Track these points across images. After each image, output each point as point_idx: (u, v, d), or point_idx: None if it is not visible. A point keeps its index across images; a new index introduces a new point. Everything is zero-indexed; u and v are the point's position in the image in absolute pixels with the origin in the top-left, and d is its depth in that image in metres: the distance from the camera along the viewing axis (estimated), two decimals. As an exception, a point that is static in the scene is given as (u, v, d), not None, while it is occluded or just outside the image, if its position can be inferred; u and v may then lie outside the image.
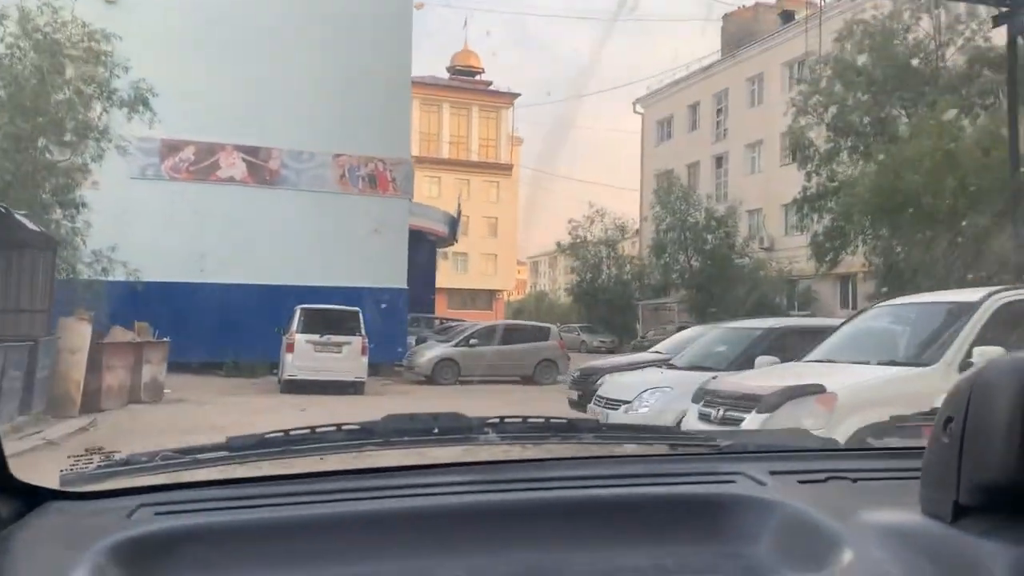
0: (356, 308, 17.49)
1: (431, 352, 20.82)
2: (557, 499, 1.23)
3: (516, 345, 20.97)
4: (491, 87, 66.20)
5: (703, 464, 1.42)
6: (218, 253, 20.97)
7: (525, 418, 1.56)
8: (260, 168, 21.76)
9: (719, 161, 39.31)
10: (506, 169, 68.44)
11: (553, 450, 1.50)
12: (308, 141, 21.84)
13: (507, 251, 68.61)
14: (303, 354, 16.77)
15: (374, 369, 20.45)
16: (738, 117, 38.44)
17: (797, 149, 27.00)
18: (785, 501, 1.18)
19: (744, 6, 40.18)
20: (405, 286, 22.38)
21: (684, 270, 32.66)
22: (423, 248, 29.18)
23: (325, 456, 1.39)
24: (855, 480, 1.27)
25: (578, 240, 42.42)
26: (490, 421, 1.52)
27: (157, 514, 1.15)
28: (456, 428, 1.50)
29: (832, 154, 26.52)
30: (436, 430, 1.49)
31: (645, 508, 1.21)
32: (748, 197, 33.95)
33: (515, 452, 1.54)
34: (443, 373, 20.41)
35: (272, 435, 1.43)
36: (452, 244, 34.95)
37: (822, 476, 1.28)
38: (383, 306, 21.41)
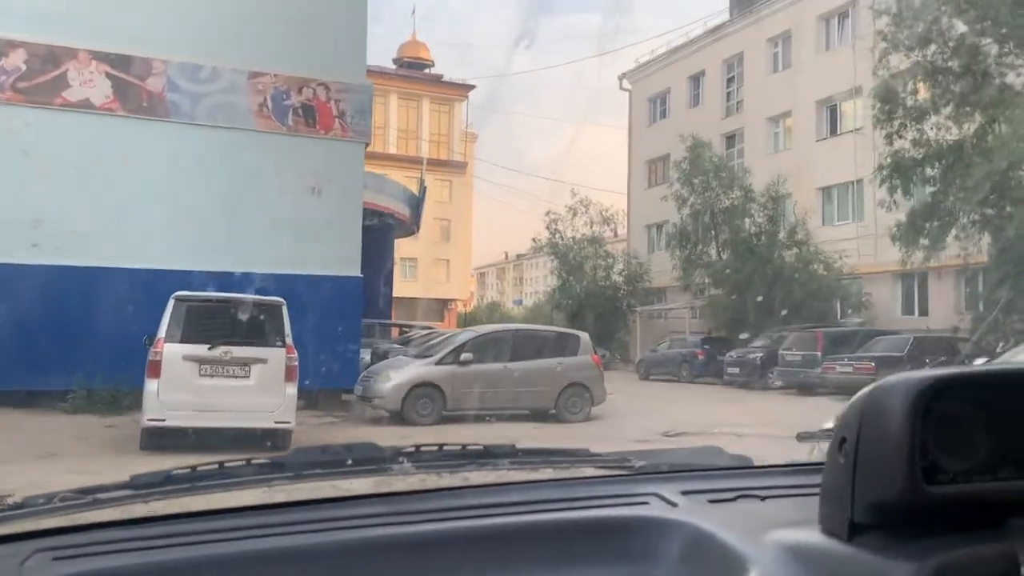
0: (278, 299, 9.99)
1: (400, 374, 13.37)
2: (473, 528, 1.21)
3: (532, 362, 13.67)
4: (443, 79, 59.62)
5: (618, 486, 1.41)
6: (63, 219, 13.30)
7: (440, 446, 1.60)
8: (133, 89, 14.07)
9: (731, 140, 32.70)
10: (460, 167, 61.36)
11: (469, 478, 1.46)
12: (210, 50, 14.28)
13: (461, 256, 61.72)
14: (178, 381, 9.22)
15: (309, 399, 12.98)
16: (757, 86, 31.93)
17: (886, 101, 20.37)
18: (693, 522, 1.19)
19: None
20: (358, 273, 14.88)
21: (714, 265, 25.69)
22: (379, 232, 21.68)
23: (234, 492, 1.36)
24: (763, 498, 1.28)
25: (557, 235, 35.39)
26: (405, 450, 1.54)
27: (55, 559, 1.09)
28: (370, 458, 1.52)
29: (927, 108, 19.91)
30: (349, 461, 1.51)
31: (560, 533, 1.22)
32: (770, 180, 27.12)
33: (431, 481, 1.47)
34: (419, 406, 13.03)
35: (178, 471, 1.41)
36: (414, 232, 27.52)
37: (732, 495, 1.28)
38: (326, 303, 13.94)
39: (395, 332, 24.42)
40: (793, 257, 24.78)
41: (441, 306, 57.47)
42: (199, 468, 1.40)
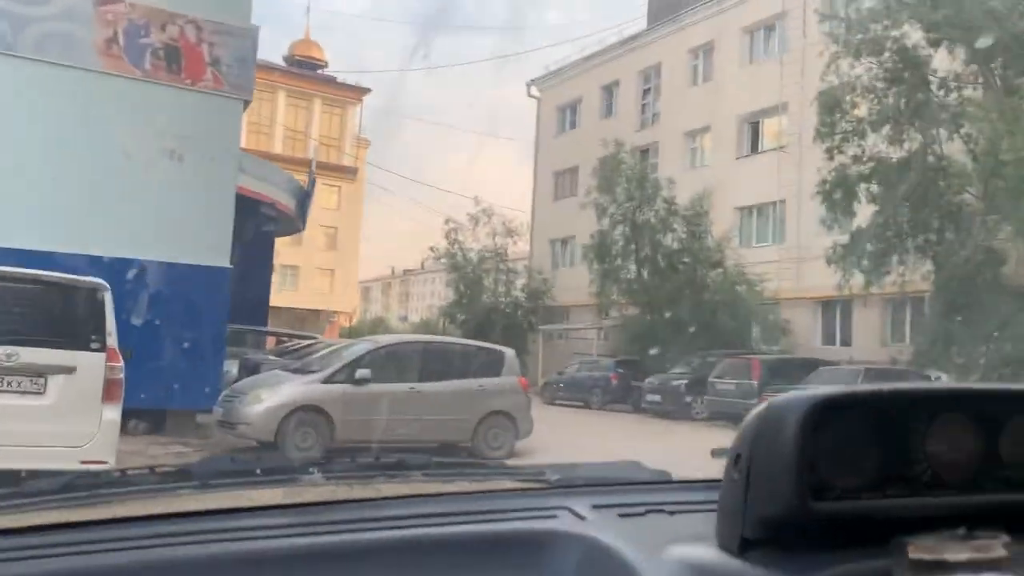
0: (95, 282, 6.81)
1: (275, 394, 10.30)
2: (383, 540, 1.20)
3: (446, 383, 10.89)
4: (337, 80, 56.27)
5: (530, 499, 1.42)
6: None
7: (353, 456, 1.61)
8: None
9: (645, 154, 30.94)
10: (350, 173, 58.00)
11: (381, 489, 1.44)
12: (41, -38, 10.92)
13: (347, 266, 58.20)
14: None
15: (153, 420, 9.86)
16: (675, 99, 30.37)
17: (830, 111, 18.80)
18: (596, 536, 1.19)
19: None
20: (227, 264, 11.71)
21: (633, 282, 23.53)
22: (257, 223, 18.43)
23: (138, 500, 1.32)
24: (672, 513, 1.28)
25: (456, 246, 32.72)
26: (316, 460, 1.66)
27: None
28: (279, 468, 1.54)
29: (873, 120, 18.46)
30: (258, 471, 1.49)
31: (468, 546, 1.21)
32: (685, 198, 25.30)
33: (341, 492, 1.41)
34: (299, 436, 10.02)
35: (78, 479, 1.38)
36: (299, 230, 24.20)
37: (642, 509, 1.29)
38: (181, 298, 10.77)
39: (271, 342, 21.08)
40: (720, 277, 22.94)
41: (322, 318, 53.70)
42: (100, 475, 1.46)
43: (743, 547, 0.96)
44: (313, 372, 10.86)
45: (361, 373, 10.43)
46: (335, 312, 56.02)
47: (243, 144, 26.90)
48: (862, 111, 18.96)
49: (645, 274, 23.35)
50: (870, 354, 21.34)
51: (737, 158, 27.71)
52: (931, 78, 17.87)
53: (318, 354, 12.93)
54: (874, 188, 18.67)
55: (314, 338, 20.40)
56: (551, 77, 36.44)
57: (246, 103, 12.47)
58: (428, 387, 10.64)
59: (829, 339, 24.37)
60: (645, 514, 1.27)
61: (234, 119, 12.21)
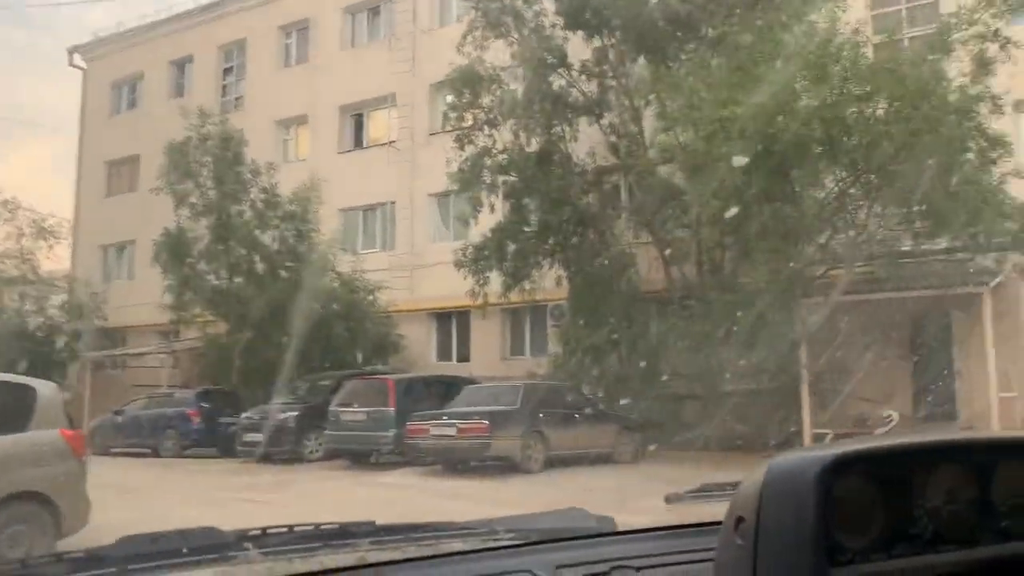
0: None
1: None
2: None
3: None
4: None
5: (488, 562, 1.33)
6: None
7: (291, 527, 1.47)
8: None
9: (226, 143, 25.92)
10: None
11: (324, 562, 1.34)
12: None
13: None
14: None
15: None
16: (263, 81, 25.96)
17: (461, 95, 16.32)
18: None
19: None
20: None
21: (221, 293, 18.47)
22: None
23: None
24: (638, 568, 1.24)
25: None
26: (250, 534, 1.41)
27: None
28: (209, 546, 1.39)
29: (513, 108, 16.42)
30: (185, 549, 1.37)
31: None
32: (283, 193, 21.26)
33: (280, 568, 1.33)
34: None
35: None
36: None
37: (606, 567, 1.25)
38: None
39: None
40: (333, 285, 19.16)
41: None
42: (3, 566, 1.28)
43: None
44: None
45: None
46: None
47: None
48: (495, 96, 16.86)
49: (238, 281, 18.58)
50: (490, 369, 19.34)
51: (340, 153, 24.30)
52: (572, 63, 16.35)
53: None
54: (512, 181, 16.62)
55: None
56: (101, 45, 29.43)
57: None
58: None
59: (445, 354, 22.02)
60: (610, 572, 1.22)
61: None
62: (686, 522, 1.47)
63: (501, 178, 16.50)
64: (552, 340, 18.25)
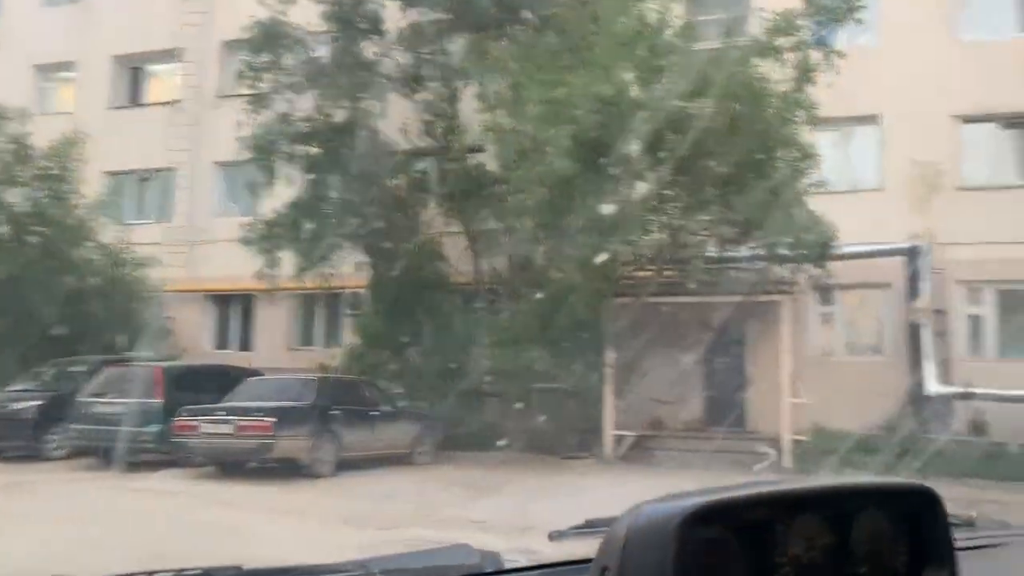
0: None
1: None
2: None
3: None
4: None
5: None
6: None
7: (150, 573, 1.40)
8: None
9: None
10: None
11: None
12: None
13: None
14: None
15: None
16: (24, 17, 22.29)
17: (259, 53, 14.62)
18: None
19: None
20: None
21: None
22: None
23: None
24: None
25: None
26: None
27: None
28: None
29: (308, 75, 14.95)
30: None
31: None
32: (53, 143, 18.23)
33: None
34: None
35: None
36: None
37: None
38: None
39: None
40: (95, 256, 16.59)
41: None
42: None
43: None
44: None
45: None
46: None
47: None
48: (298, 58, 15.29)
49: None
50: (277, 360, 17.70)
51: (111, 109, 21.40)
52: (387, 31, 15.11)
53: None
54: (313, 153, 15.12)
55: None
56: None
57: None
58: None
59: (224, 341, 19.97)
60: None
61: None
62: (573, 558, 1.42)
63: (301, 148, 14.94)
64: (348, 330, 16.89)
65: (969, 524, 1.62)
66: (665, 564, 0.87)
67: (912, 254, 14.18)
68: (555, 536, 1.64)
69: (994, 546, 1.55)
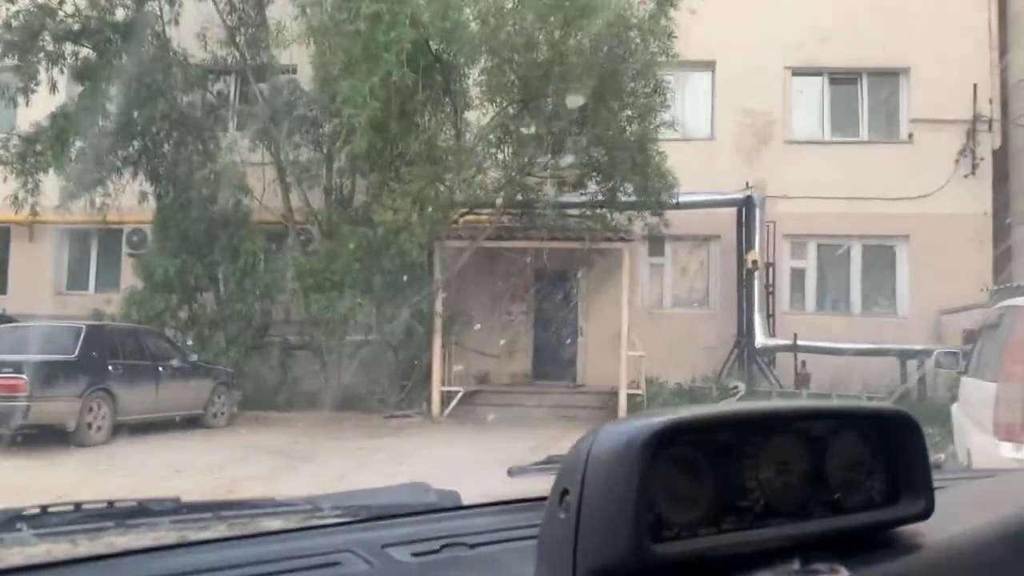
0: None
1: None
2: None
3: None
4: None
5: (305, 541, 1.16)
6: None
7: (77, 504, 1.25)
8: None
9: None
10: None
11: (115, 543, 1.12)
12: None
13: None
14: None
15: None
16: None
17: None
18: None
19: None
20: None
21: None
22: None
23: None
24: (472, 546, 1.14)
25: None
26: (26, 513, 1.17)
27: None
28: None
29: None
30: None
31: None
32: None
33: (61, 550, 1.08)
34: None
35: None
36: None
37: (437, 545, 1.13)
38: None
39: None
40: None
41: None
42: None
43: None
44: None
45: None
46: None
47: None
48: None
49: None
50: (38, 306, 14.92)
51: None
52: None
53: None
54: (85, 56, 12.47)
55: None
56: None
57: None
58: None
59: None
60: (441, 550, 1.12)
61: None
62: (530, 495, 1.32)
63: (70, 48, 12.28)
64: (129, 272, 14.42)
65: (936, 467, 1.38)
66: (631, 484, 0.83)
67: (747, 205, 13.94)
68: (515, 472, 1.53)
69: (956, 487, 1.42)
